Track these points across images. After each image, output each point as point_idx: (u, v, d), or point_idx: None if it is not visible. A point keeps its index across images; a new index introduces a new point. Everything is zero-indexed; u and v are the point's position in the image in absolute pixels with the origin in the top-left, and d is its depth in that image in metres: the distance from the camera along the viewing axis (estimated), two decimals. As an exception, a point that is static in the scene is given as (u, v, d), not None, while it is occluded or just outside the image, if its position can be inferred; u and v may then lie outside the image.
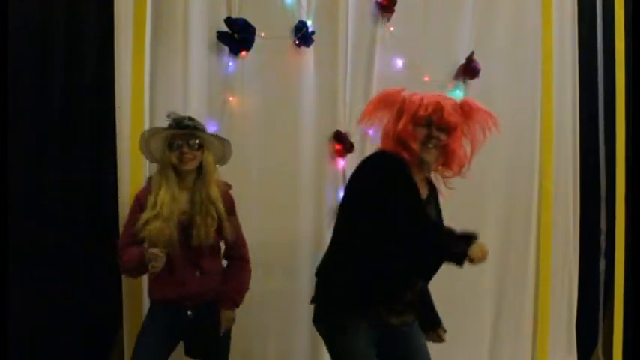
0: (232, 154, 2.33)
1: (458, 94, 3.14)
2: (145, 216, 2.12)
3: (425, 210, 1.98)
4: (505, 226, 3.26)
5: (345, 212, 2.01)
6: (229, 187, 2.34)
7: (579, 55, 3.38)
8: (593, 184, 3.45)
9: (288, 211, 2.88)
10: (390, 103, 1.99)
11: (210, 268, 2.27)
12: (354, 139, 2.96)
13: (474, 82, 3.17)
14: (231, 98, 2.82)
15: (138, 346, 2.22)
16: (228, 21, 2.77)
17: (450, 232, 1.89)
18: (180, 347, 2.35)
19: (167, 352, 2.28)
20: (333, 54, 2.94)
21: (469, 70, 3.13)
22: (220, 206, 2.21)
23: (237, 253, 2.36)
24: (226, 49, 2.81)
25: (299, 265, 2.91)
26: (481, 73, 3.15)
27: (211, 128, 2.65)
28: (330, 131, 2.94)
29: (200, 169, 2.22)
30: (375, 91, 2.99)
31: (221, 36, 2.79)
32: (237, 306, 2.31)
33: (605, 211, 3.45)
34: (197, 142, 2.19)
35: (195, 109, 2.70)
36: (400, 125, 1.90)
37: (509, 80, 3.25)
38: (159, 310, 2.27)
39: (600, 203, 3.46)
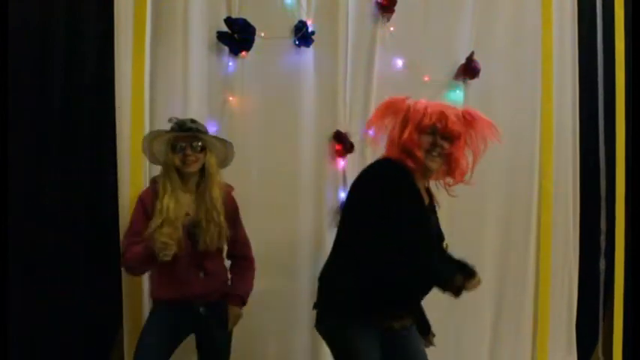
0: (233, 158, 2.35)
1: (458, 94, 3.15)
2: (153, 224, 2.12)
3: (428, 218, 2.01)
4: (505, 226, 3.26)
5: (349, 218, 2.03)
6: (231, 188, 2.36)
7: (579, 55, 3.38)
8: (593, 184, 3.45)
9: (288, 211, 2.88)
10: (395, 111, 2.01)
11: (214, 269, 2.29)
12: (354, 139, 2.96)
13: (474, 82, 3.17)
14: (231, 98, 2.82)
15: (140, 345, 2.22)
16: (228, 21, 2.77)
17: (451, 264, 1.94)
18: (182, 347, 2.35)
19: (169, 352, 2.28)
20: (333, 54, 2.94)
21: (469, 70, 3.13)
22: (222, 208, 2.22)
23: (241, 253, 2.40)
24: (226, 49, 2.81)
25: (299, 265, 2.91)
26: (481, 73, 3.15)
27: (211, 128, 2.65)
28: (330, 131, 2.94)
29: (203, 171, 2.23)
30: (375, 91, 3.00)
31: (221, 36, 2.79)
32: (245, 303, 2.35)
33: (605, 211, 3.44)
34: (200, 144, 2.20)
35: (195, 109, 2.70)
36: (405, 134, 1.93)
37: (509, 80, 3.25)
38: (162, 310, 2.27)
39: (600, 203, 3.46)
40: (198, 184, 2.24)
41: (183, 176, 2.21)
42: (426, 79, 3.09)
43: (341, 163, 2.96)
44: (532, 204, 3.28)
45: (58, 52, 2.56)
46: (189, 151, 2.18)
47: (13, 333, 2.32)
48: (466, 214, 3.03)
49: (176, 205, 2.16)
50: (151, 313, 2.33)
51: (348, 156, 2.96)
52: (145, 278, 2.61)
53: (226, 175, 2.36)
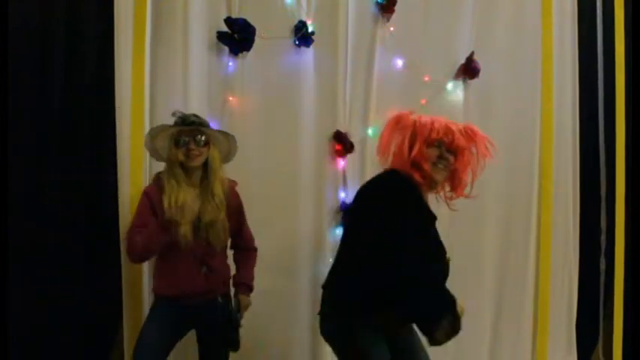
0: (237, 151, 2.36)
1: (458, 94, 3.16)
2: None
3: (435, 230, 2.06)
4: (505, 226, 3.26)
5: (355, 229, 2.06)
6: (235, 183, 2.37)
7: (579, 55, 3.38)
8: (593, 184, 3.45)
9: (288, 211, 2.88)
10: (402, 127, 2.09)
11: (217, 266, 2.29)
12: (354, 139, 2.96)
13: (474, 82, 3.18)
14: (231, 98, 2.82)
15: (140, 341, 2.22)
16: (228, 21, 2.77)
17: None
18: (183, 341, 2.36)
19: (169, 347, 2.29)
20: (333, 54, 2.94)
21: (469, 70, 3.13)
22: (223, 204, 2.23)
23: (246, 246, 2.45)
24: (226, 49, 2.81)
25: (299, 266, 2.91)
26: (481, 73, 3.15)
27: (212, 128, 2.65)
28: (330, 131, 2.94)
29: (206, 166, 2.23)
30: (375, 91, 3.01)
31: (221, 36, 2.79)
32: (252, 291, 2.41)
33: (605, 211, 3.44)
34: (203, 138, 2.21)
35: (195, 109, 2.69)
36: (415, 150, 2.01)
37: (509, 80, 3.25)
38: (163, 306, 2.27)
39: (600, 203, 3.46)
40: (202, 179, 2.25)
41: (187, 171, 2.22)
42: (426, 79, 3.09)
43: (341, 163, 2.96)
44: (532, 204, 3.28)
45: (58, 52, 2.56)
46: (192, 146, 2.19)
47: (13, 333, 2.32)
48: (466, 214, 3.02)
49: (184, 198, 2.16)
50: (152, 309, 2.33)
51: (348, 156, 2.96)
52: (146, 278, 2.61)
53: (227, 175, 2.36)
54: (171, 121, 2.24)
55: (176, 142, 2.20)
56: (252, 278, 2.43)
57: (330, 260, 2.88)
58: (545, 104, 3.28)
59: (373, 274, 1.93)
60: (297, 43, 2.87)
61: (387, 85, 3.02)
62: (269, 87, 2.88)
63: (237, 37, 2.77)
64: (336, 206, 2.95)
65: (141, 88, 2.63)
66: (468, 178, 2.13)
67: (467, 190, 2.15)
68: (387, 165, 2.12)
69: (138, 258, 2.25)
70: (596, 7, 3.44)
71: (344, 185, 2.96)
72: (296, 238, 2.91)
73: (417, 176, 2.01)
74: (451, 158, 2.05)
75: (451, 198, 2.18)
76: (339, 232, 2.93)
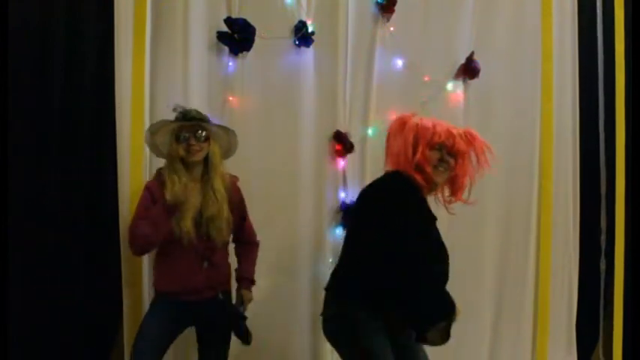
0: (237, 146, 2.37)
1: (458, 94, 3.16)
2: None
3: (437, 231, 2.08)
4: (505, 226, 3.26)
5: (358, 230, 2.08)
6: (236, 178, 2.38)
7: (579, 55, 3.38)
8: (593, 184, 3.45)
9: (288, 211, 2.88)
10: (406, 131, 2.11)
11: (218, 262, 2.29)
12: (354, 139, 2.96)
13: (473, 82, 3.18)
14: (231, 98, 2.83)
15: (139, 336, 2.23)
16: (228, 21, 2.77)
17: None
18: (183, 339, 2.36)
19: (168, 343, 2.29)
20: (333, 54, 2.94)
21: (469, 70, 3.13)
22: (224, 201, 2.23)
23: (249, 239, 2.47)
24: (226, 49, 2.81)
25: (299, 265, 2.91)
26: (481, 73, 3.15)
27: (211, 128, 2.65)
28: (330, 131, 2.94)
29: (207, 161, 2.24)
30: (375, 91, 3.01)
31: (221, 36, 2.79)
32: (254, 284, 2.43)
33: (605, 211, 3.44)
34: (204, 133, 2.21)
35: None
36: (419, 154, 2.05)
37: (509, 80, 3.25)
38: (162, 302, 2.27)
39: (600, 203, 3.45)
40: (203, 174, 2.25)
41: (187, 166, 2.22)
42: (426, 79, 3.09)
43: (341, 163, 2.96)
44: (532, 204, 3.28)
45: (58, 52, 2.56)
46: (193, 141, 2.19)
47: (13, 333, 2.31)
48: (466, 215, 3.02)
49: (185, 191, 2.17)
50: (152, 304, 2.33)
51: (348, 156, 2.96)
52: (145, 278, 2.62)
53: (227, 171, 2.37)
54: (171, 118, 2.24)
55: (177, 138, 2.20)
56: (254, 272, 2.45)
57: (330, 260, 2.89)
58: (545, 104, 3.28)
59: (374, 274, 1.94)
60: (297, 43, 2.87)
61: (387, 85, 3.02)
62: (269, 87, 2.88)
63: (237, 37, 2.77)
64: (336, 206, 2.95)
65: (141, 88, 2.64)
66: (467, 181, 2.17)
67: (465, 195, 2.20)
68: (390, 167, 2.14)
69: (140, 247, 2.20)
70: (596, 7, 3.44)
71: (344, 185, 2.96)
72: (296, 238, 2.91)
73: (419, 178, 2.04)
74: (451, 161, 2.09)
75: (450, 202, 2.22)
76: (339, 232, 2.93)
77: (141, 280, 2.61)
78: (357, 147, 2.96)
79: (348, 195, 2.94)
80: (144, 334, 2.22)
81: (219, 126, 2.32)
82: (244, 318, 2.30)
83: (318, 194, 2.94)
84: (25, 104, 2.46)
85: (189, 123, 2.20)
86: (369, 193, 2.12)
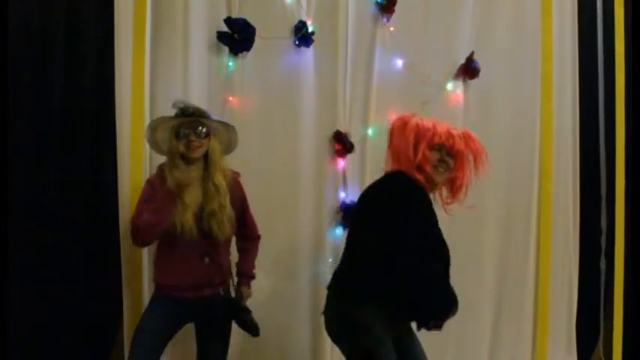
0: (237, 143, 2.37)
1: (458, 94, 3.16)
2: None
3: (438, 229, 2.11)
4: (505, 226, 3.26)
5: (360, 230, 2.10)
6: (238, 174, 2.38)
7: (579, 55, 3.38)
8: (593, 184, 3.45)
9: (288, 211, 2.89)
10: (407, 131, 2.13)
11: (219, 258, 2.29)
12: (354, 139, 2.96)
13: (473, 82, 3.18)
14: (231, 98, 2.83)
15: (139, 329, 2.23)
16: (228, 21, 2.77)
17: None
18: (183, 337, 2.36)
19: (167, 338, 2.29)
20: (333, 54, 2.94)
21: (469, 70, 3.13)
22: (226, 195, 2.23)
23: (251, 234, 2.48)
24: (226, 49, 2.81)
25: (299, 265, 2.91)
26: (481, 73, 3.15)
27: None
28: (330, 131, 2.94)
29: (207, 158, 2.24)
30: (375, 91, 3.01)
31: (221, 36, 2.79)
32: (254, 278, 2.46)
33: (605, 211, 3.44)
34: (204, 129, 2.21)
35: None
36: (419, 155, 2.08)
37: (509, 80, 3.25)
38: (162, 297, 2.27)
39: (600, 203, 3.45)
40: (204, 171, 2.25)
41: (188, 162, 2.21)
42: (426, 79, 3.09)
43: (341, 163, 2.96)
44: (532, 204, 3.28)
45: (58, 52, 2.56)
46: (193, 137, 2.19)
47: (13, 333, 2.32)
48: (466, 214, 3.01)
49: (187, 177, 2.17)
50: (152, 300, 2.33)
51: (348, 156, 2.96)
52: (145, 278, 2.62)
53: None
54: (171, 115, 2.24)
55: (176, 134, 2.20)
56: (254, 267, 2.47)
57: (330, 260, 2.89)
58: (545, 104, 3.28)
59: (377, 274, 1.96)
60: (297, 43, 2.87)
61: (387, 85, 3.02)
62: (269, 87, 2.88)
63: (237, 37, 2.77)
64: (336, 206, 2.95)
65: (141, 88, 2.64)
66: (465, 182, 2.20)
67: (462, 197, 2.22)
68: (391, 167, 2.16)
69: (143, 237, 2.16)
70: (597, 7, 3.44)
71: (344, 185, 2.96)
72: (296, 238, 2.91)
73: (420, 178, 2.07)
74: (451, 162, 2.13)
75: (448, 203, 2.24)
76: (339, 232, 2.93)
77: (141, 280, 2.62)
78: (357, 147, 2.96)
79: (348, 195, 2.94)
80: (143, 328, 2.22)
81: (219, 122, 2.32)
82: (248, 310, 2.34)
83: (318, 194, 2.94)
84: (25, 104, 2.47)
85: (189, 119, 2.20)
86: (371, 192, 2.14)
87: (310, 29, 2.88)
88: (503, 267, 3.26)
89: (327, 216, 2.94)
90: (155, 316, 2.25)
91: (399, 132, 2.14)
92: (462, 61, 3.14)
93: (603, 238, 3.44)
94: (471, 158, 2.17)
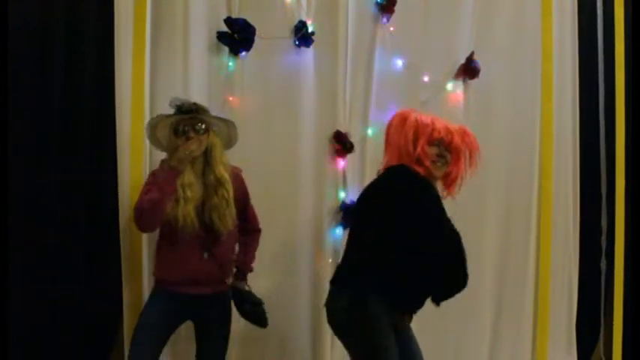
0: (237, 138, 2.38)
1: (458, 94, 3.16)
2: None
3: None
4: (505, 226, 3.26)
5: (375, 222, 2.10)
6: (240, 170, 2.39)
7: (579, 55, 3.38)
8: (593, 184, 3.45)
9: (288, 211, 2.88)
10: (406, 127, 2.18)
11: (220, 253, 2.28)
12: (354, 139, 2.96)
13: (473, 82, 3.18)
14: (231, 98, 2.82)
15: (140, 325, 2.23)
16: (228, 21, 2.77)
17: None
18: (183, 337, 2.37)
19: (168, 334, 2.29)
20: (333, 54, 2.94)
21: (469, 70, 3.13)
22: (230, 188, 2.24)
23: (252, 227, 2.49)
24: (226, 49, 2.81)
25: (299, 265, 2.91)
26: (481, 73, 3.15)
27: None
28: (330, 131, 2.94)
29: (207, 154, 2.24)
30: (375, 91, 3.01)
31: (221, 36, 2.79)
32: (252, 271, 2.48)
33: (605, 211, 3.44)
34: (203, 126, 2.21)
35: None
36: (419, 149, 2.13)
37: (509, 80, 3.25)
38: (162, 292, 2.27)
39: (600, 203, 3.45)
40: (204, 167, 2.25)
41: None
42: (426, 79, 3.09)
43: (341, 163, 2.96)
44: (532, 204, 3.28)
45: (58, 52, 2.56)
46: (192, 134, 2.19)
47: (13, 333, 2.32)
48: (466, 214, 3.02)
49: (189, 182, 2.18)
50: (151, 295, 2.33)
51: (348, 156, 2.96)
52: (145, 278, 2.61)
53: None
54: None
55: (175, 131, 2.20)
56: (253, 260, 2.49)
57: (330, 260, 2.89)
58: (545, 104, 3.28)
59: (392, 267, 2.00)
60: (297, 43, 2.87)
61: (386, 85, 3.02)
62: (269, 87, 2.88)
63: (237, 37, 2.77)
64: (336, 206, 2.95)
65: (141, 88, 2.64)
66: (460, 176, 2.24)
67: (457, 191, 2.27)
68: (391, 161, 2.19)
69: (147, 215, 2.13)
70: (597, 7, 3.44)
71: (344, 185, 2.96)
72: (296, 237, 2.91)
73: (421, 171, 2.12)
74: (448, 157, 2.17)
75: (443, 197, 2.25)
76: (339, 231, 2.93)
77: (141, 280, 2.61)
78: (357, 147, 2.96)
79: (348, 195, 2.94)
80: (143, 325, 2.22)
81: (218, 118, 2.32)
82: (254, 301, 2.39)
83: (318, 194, 2.94)
84: (25, 104, 2.47)
85: (188, 116, 2.19)
86: (376, 186, 2.17)
87: (310, 29, 2.88)
88: (503, 267, 3.26)
89: (327, 216, 2.94)
90: (154, 311, 2.25)
91: (398, 127, 2.18)
92: (462, 61, 3.14)
93: (603, 238, 3.44)
94: (467, 153, 2.22)
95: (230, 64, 2.83)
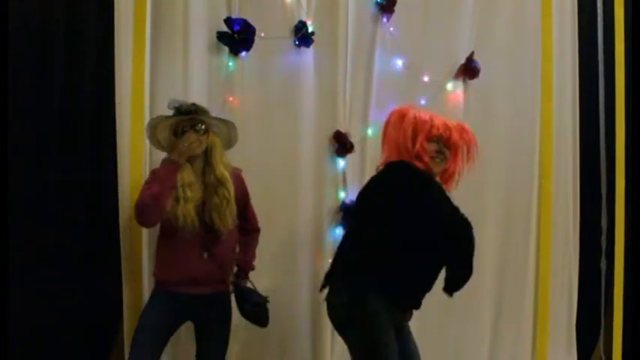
0: (237, 139, 2.38)
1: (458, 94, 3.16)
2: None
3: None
4: (505, 226, 3.26)
5: (378, 217, 2.11)
6: (240, 170, 2.40)
7: (579, 55, 3.38)
8: (593, 184, 3.45)
9: (288, 211, 2.89)
10: (405, 123, 2.20)
11: (220, 253, 2.27)
12: (354, 139, 2.96)
13: (473, 82, 3.18)
14: (231, 98, 2.82)
15: (140, 326, 2.23)
16: (228, 21, 2.77)
17: None
18: (183, 338, 2.37)
19: (168, 334, 2.29)
20: (333, 54, 2.95)
21: (469, 70, 3.13)
22: (231, 187, 2.24)
23: (252, 227, 2.50)
24: (226, 49, 2.81)
25: (299, 266, 2.91)
26: (481, 73, 3.15)
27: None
28: (330, 131, 2.94)
29: (207, 154, 2.25)
30: (375, 91, 3.01)
31: (221, 36, 2.79)
32: (253, 269, 2.51)
33: (605, 211, 3.44)
34: (203, 126, 2.21)
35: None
36: (418, 144, 2.16)
37: (509, 80, 3.25)
38: (162, 293, 2.27)
39: (600, 203, 3.45)
40: (204, 167, 2.26)
41: (189, 158, 2.22)
42: (426, 79, 3.09)
43: (341, 163, 2.96)
44: (532, 204, 3.28)
45: (58, 52, 2.56)
46: (192, 136, 2.19)
47: (13, 333, 2.32)
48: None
49: (189, 181, 2.19)
50: (152, 296, 2.33)
51: (348, 156, 2.96)
52: (145, 278, 2.61)
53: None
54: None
55: (175, 132, 2.21)
56: (254, 258, 2.51)
57: (330, 260, 2.88)
58: (545, 104, 3.28)
59: (382, 261, 2.02)
60: (297, 43, 2.87)
61: (386, 85, 3.02)
62: (269, 87, 2.88)
63: (237, 37, 2.77)
64: (336, 206, 2.95)
65: (141, 87, 2.64)
66: (457, 172, 2.28)
67: (454, 186, 2.30)
68: (389, 157, 2.21)
69: (149, 210, 2.13)
70: (597, 7, 3.44)
71: (344, 185, 2.96)
72: (296, 237, 2.91)
73: (421, 167, 2.15)
74: (447, 153, 2.21)
75: None
76: (338, 231, 2.93)
77: (141, 280, 2.61)
78: (357, 147, 2.96)
79: (348, 195, 2.94)
80: (143, 326, 2.22)
81: (218, 119, 2.32)
82: (257, 304, 2.40)
83: (318, 194, 2.94)
84: (25, 104, 2.47)
85: (187, 117, 2.20)
86: (381, 182, 2.18)
87: (310, 29, 2.88)
88: (503, 267, 3.26)
89: (327, 216, 2.94)
90: (155, 312, 2.25)
91: (396, 124, 2.21)
92: (462, 61, 3.14)
93: (603, 238, 3.44)
94: (465, 149, 2.25)
95: (230, 64, 2.83)
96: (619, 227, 3.33)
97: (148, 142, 2.43)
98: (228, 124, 2.32)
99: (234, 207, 2.27)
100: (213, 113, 2.73)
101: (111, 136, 2.60)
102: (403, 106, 2.28)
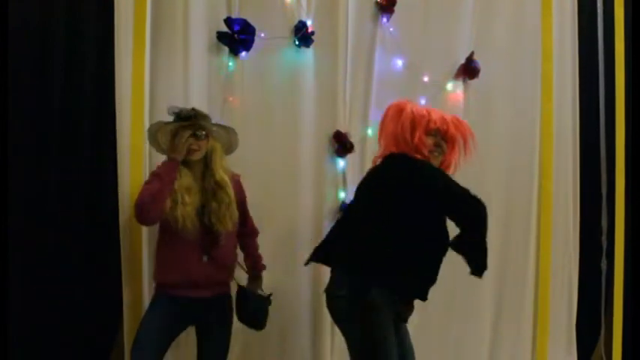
0: (238, 144, 2.40)
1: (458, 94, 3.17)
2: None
3: None
4: (505, 226, 3.26)
5: (383, 209, 2.13)
6: (238, 175, 2.40)
7: (579, 55, 3.38)
8: (593, 184, 3.45)
9: (287, 211, 2.89)
10: (402, 118, 2.24)
11: (220, 256, 2.27)
12: (354, 139, 2.96)
13: (473, 82, 3.18)
14: (231, 98, 2.83)
15: (141, 330, 2.23)
16: (228, 21, 2.77)
17: None
18: (183, 338, 2.36)
19: (169, 338, 2.29)
20: (333, 54, 2.95)
21: (469, 70, 3.13)
22: (230, 191, 2.25)
23: (252, 232, 2.52)
24: (226, 49, 2.81)
25: (299, 265, 2.90)
26: (481, 73, 3.15)
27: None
28: (330, 131, 2.94)
29: (207, 158, 2.25)
30: (375, 91, 3.01)
31: (221, 36, 2.79)
32: (265, 268, 2.57)
33: (605, 211, 3.44)
34: (203, 132, 2.21)
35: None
36: (416, 138, 2.20)
37: (509, 80, 3.25)
38: (163, 297, 2.27)
39: (601, 203, 3.45)
40: (204, 172, 2.26)
41: (188, 164, 2.23)
42: (426, 79, 3.09)
43: (341, 163, 2.96)
44: (532, 204, 3.28)
45: (58, 52, 2.56)
46: (191, 140, 2.20)
47: (13, 333, 2.32)
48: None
49: (187, 186, 2.20)
50: (152, 301, 2.33)
51: (348, 156, 2.96)
52: (145, 278, 2.61)
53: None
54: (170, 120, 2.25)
55: (174, 138, 2.21)
56: (261, 259, 2.55)
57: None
58: (545, 104, 3.28)
59: (383, 252, 2.05)
60: (297, 43, 2.87)
61: (386, 85, 3.02)
62: (269, 87, 2.88)
63: (237, 37, 2.77)
64: (336, 206, 2.95)
65: (141, 87, 2.64)
66: (454, 164, 2.31)
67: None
68: (387, 150, 2.23)
69: (149, 207, 2.12)
70: (597, 7, 3.44)
71: (344, 185, 2.96)
72: (296, 237, 2.90)
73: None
74: (445, 146, 2.25)
75: None
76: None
77: (141, 280, 2.61)
78: (357, 147, 2.96)
79: (348, 195, 2.94)
80: (145, 330, 2.22)
81: (218, 125, 2.33)
82: (255, 312, 2.41)
83: (318, 194, 2.94)
84: (25, 104, 2.47)
85: (187, 123, 2.20)
86: (380, 174, 2.21)
87: (310, 29, 2.88)
88: (503, 267, 3.26)
89: (327, 216, 2.93)
90: (155, 316, 2.25)
91: (394, 117, 2.24)
92: (462, 61, 3.14)
93: (603, 238, 3.44)
94: (461, 142, 2.28)
95: (230, 64, 2.83)
96: (619, 227, 3.33)
97: (147, 142, 2.43)
98: (229, 130, 2.32)
99: (234, 210, 2.27)
100: (214, 113, 2.75)
101: (111, 136, 2.60)
102: (400, 100, 2.31)
